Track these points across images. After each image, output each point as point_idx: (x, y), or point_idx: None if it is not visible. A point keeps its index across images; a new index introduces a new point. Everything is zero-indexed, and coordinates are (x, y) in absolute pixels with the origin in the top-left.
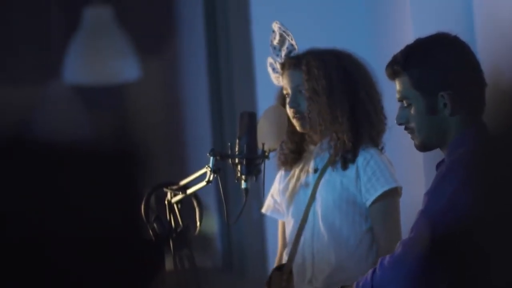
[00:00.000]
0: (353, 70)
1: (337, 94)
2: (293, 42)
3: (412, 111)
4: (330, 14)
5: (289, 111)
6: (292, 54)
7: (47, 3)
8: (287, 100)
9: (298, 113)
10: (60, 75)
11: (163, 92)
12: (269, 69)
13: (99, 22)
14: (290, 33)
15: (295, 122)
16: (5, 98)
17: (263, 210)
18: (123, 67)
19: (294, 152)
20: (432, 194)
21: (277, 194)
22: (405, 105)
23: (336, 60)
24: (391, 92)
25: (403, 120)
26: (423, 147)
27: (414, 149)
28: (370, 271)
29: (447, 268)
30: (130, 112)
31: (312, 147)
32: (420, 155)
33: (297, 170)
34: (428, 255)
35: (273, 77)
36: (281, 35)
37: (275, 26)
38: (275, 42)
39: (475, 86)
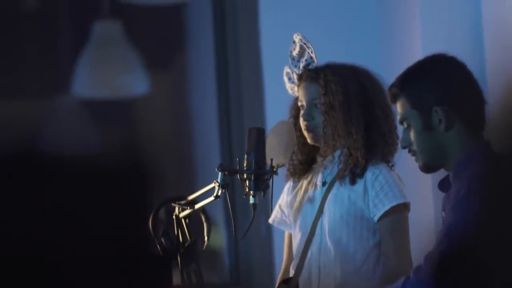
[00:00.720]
0: (370, 88)
1: (354, 110)
2: (313, 55)
3: (412, 131)
4: (341, 28)
5: (302, 123)
6: (310, 67)
7: (57, 16)
8: (301, 112)
9: (311, 126)
10: (69, 89)
11: (171, 107)
12: (285, 78)
13: (109, 35)
14: (311, 46)
15: (307, 134)
16: (14, 112)
17: (270, 221)
18: (132, 81)
19: (304, 164)
20: (456, 210)
21: (285, 205)
22: (405, 126)
23: (354, 76)
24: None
25: (406, 143)
26: (426, 168)
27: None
28: (401, 279)
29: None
30: (138, 126)
31: (321, 159)
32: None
33: (305, 182)
34: (452, 273)
35: (288, 87)
36: (301, 47)
37: (296, 38)
38: (295, 53)
39: (473, 104)
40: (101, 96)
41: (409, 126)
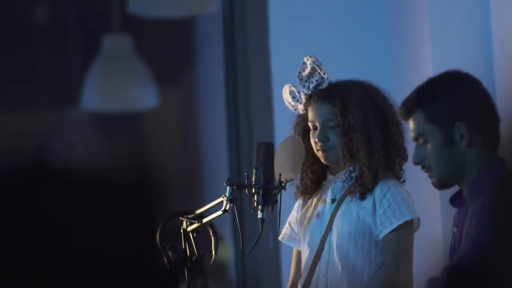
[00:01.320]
0: (383, 106)
1: (372, 130)
2: (325, 76)
3: (429, 146)
4: (350, 43)
5: (316, 144)
6: (321, 87)
7: (67, 29)
8: (312, 132)
9: (327, 147)
10: (78, 102)
11: (180, 121)
12: (288, 96)
13: (118, 49)
14: (323, 68)
15: (321, 155)
16: (24, 124)
17: (280, 238)
18: (141, 94)
19: (314, 183)
20: (480, 221)
21: (294, 222)
22: (421, 142)
23: (367, 95)
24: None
25: (419, 159)
26: (441, 184)
27: (431, 184)
28: None
29: None
30: (147, 140)
31: (331, 176)
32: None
33: (314, 200)
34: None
35: (291, 105)
36: (312, 68)
37: (308, 60)
38: (304, 73)
39: (490, 120)
40: (110, 110)
41: (425, 142)
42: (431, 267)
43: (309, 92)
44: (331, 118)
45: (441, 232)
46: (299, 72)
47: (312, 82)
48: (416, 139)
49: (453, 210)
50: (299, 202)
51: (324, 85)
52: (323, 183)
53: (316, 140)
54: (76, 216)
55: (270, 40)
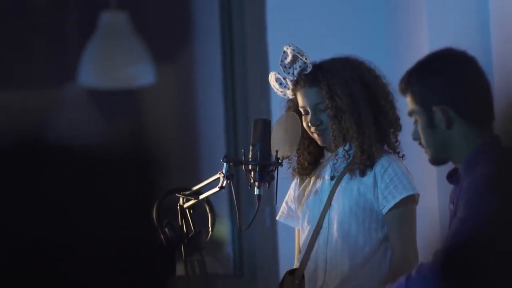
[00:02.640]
0: (370, 79)
1: (362, 108)
2: (307, 61)
3: (418, 126)
4: (348, 24)
5: (310, 128)
6: (306, 72)
7: (64, 7)
8: (304, 116)
9: (321, 130)
10: (75, 79)
11: (177, 98)
12: (275, 84)
13: (115, 26)
14: (304, 53)
15: (316, 137)
16: (21, 101)
17: (277, 217)
18: (138, 72)
19: (311, 163)
20: (471, 204)
21: (292, 201)
22: (414, 121)
23: (353, 72)
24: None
25: (416, 136)
26: (434, 161)
27: (426, 158)
28: (403, 277)
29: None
30: (144, 117)
31: (329, 154)
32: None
33: (312, 178)
34: (466, 266)
35: (279, 91)
36: (294, 56)
37: (288, 49)
38: (286, 61)
39: (479, 100)
40: (108, 87)
41: (416, 121)
42: (427, 244)
43: (295, 78)
44: (320, 101)
45: (438, 208)
46: (281, 61)
47: (295, 68)
48: (409, 116)
49: (450, 186)
50: (296, 180)
51: (309, 69)
52: (320, 160)
53: (310, 124)
54: (72, 192)
55: (267, 17)
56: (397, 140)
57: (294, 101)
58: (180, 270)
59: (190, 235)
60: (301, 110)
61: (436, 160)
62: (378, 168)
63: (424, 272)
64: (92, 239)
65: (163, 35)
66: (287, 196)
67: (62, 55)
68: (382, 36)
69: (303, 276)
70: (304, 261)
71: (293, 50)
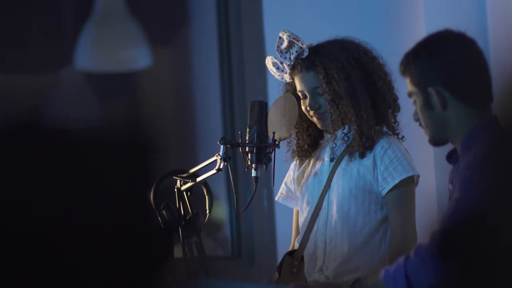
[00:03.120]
0: (367, 61)
1: (359, 91)
2: (303, 46)
3: (417, 107)
4: (342, 10)
5: (310, 112)
6: (303, 56)
7: None
8: (302, 100)
9: (320, 114)
10: (71, 62)
11: (174, 81)
12: (272, 68)
13: (111, 9)
14: (300, 39)
15: (315, 121)
16: (17, 85)
17: (276, 198)
18: (135, 54)
19: (311, 145)
20: (468, 184)
21: (291, 182)
22: (413, 101)
23: (349, 55)
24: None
25: (416, 117)
26: (433, 142)
27: (424, 139)
28: (402, 258)
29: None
30: (141, 99)
31: (328, 135)
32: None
33: (312, 159)
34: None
35: (277, 75)
36: (289, 42)
37: (284, 35)
38: (283, 47)
39: (476, 81)
40: (104, 70)
41: (415, 102)
42: (424, 224)
43: (292, 63)
44: (318, 85)
45: (436, 188)
46: (277, 46)
47: (292, 53)
48: (409, 96)
49: (447, 167)
50: (295, 162)
51: (305, 54)
52: (320, 142)
53: (308, 108)
54: (69, 176)
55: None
56: (396, 121)
57: (292, 84)
58: (178, 252)
59: (187, 217)
60: (299, 94)
61: (435, 141)
62: (377, 149)
63: (422, 253)
64: (89, 222)
65: (159, 18)
66: (286, 177)
67: (58, 38)
68: (378, 17)
69: (302, 257)
70: (303, 242)
71: (289, 36)
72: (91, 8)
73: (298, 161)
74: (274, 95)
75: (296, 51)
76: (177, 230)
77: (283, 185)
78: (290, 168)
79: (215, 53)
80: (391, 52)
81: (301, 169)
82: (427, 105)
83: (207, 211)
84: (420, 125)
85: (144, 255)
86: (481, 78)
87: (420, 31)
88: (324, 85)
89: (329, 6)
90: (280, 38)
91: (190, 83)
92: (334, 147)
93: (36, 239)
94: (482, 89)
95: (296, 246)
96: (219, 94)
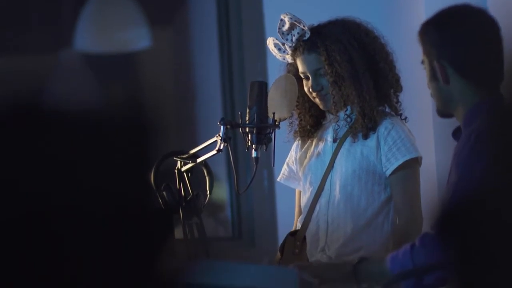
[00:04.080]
0: (368, 41)
1: (361, 73)
2: (305, 28)
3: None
4: None
5: (312, 93)
6: (304, 38)
7: None
8: (305, 81)
9: (322, 95)
10: (71, 44)
11: (174, 61)
12: (274, 49)
13: None
14: (302, 21)
15: (318, 102)
16: (16, 66)
17: (278, 179)
18: (134, 36)
19: (313, 126)
20: (464, 166)
21: (293, 163)
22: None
23: (351, 36)
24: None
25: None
26: (438, 113)
27: (424, 118)
28: (408, 245)
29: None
30: (140, 81)
31: (331, 116)
32: (429, 123)
33: (315, 140)
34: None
35: (279, 56)
36: (291, 24)
37: (285, 17)
38: (284, 29)
39: (484, 59)
40: (104, 51)
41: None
42: (425, 203)
43: (293, 45)
44: (320, 67)
45: (435, 166)
46: (279, 28)
47: (294, 35)
48: (422, 65)
49: (448, 146)
50: (297, 142)
51: (307, 36)
52: (323, 122)
53: (311, 90)
54: (69, 157)
55: None
56: (398, 101)
57: (293, 65)
58: (178, 233)
59: (188, 198)
60: (301, 75)
61: (440, 112)
62: (381, 130)
63: (428, 243)
64: (89, 203)
65: None
66: (288, 158)
67: (58, 19)
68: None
69: (304, 238)
70: (305, 223)
71: (291, 18)
72: None
73: (300, 141)
74: (274, 76)
75: (298, 33)
76: (178, 211)
77: (285, 165)
78: (292, 148)
79: (214, 34)
80: (391, 31)
81: (303, 150)
82: (432, 76)
83: (208, 192)
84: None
85: (145, 236)
86: (491, 57)
87: (419, 10)
88: (326, 67)
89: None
90: (281, 20)
91: (189, 64)
92: (337, 128)
93: (37, 221)
94: (491, 68)
95: (299, 226)
96: (219, 75)
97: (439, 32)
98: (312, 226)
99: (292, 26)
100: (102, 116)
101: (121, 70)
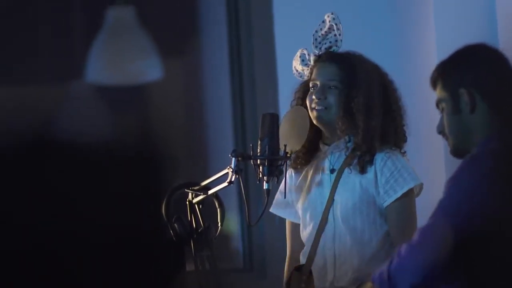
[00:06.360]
0: (388, 84)
1: (375, 97)
2: (339, 38)
3: (444, 115)
4: (354, 16)
5: (312, 102)
6: (333, 50)
7: (70, 2)
8: (311, 92)
9: (322, 105)
10: (82, 75)
11: (185, 93)
12: (297, 60)
13: (122, 22)
14: (340, 28)
15: (314, 113)
16: (28, 98)
17: (270, 209)
18: (145, 67)
19: (306, 154)
20: (452, 183)
21: (289, 191)
22: (440, 110)
23: (375, 70)
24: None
25: (440, 128)
26: (454, 151)
27: (436, 150)
28: (387, 261)
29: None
30: (152, 112)
31: (325, 147)
32: (441, 156)
33: (310, 170)
34: (443, 246)
35: (298, 68)
36: (330, 27)
37: (328, 17)
38: (320, 33)
39: (503, 89)
40: (115, 82)
41: (443, 110)
42: None
43: (321, 53)
44: (334, 79)
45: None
46: (316, 31)
47: (325, 44)
48: (437, 106)
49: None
50: (290, 172)
51: (336, 49)
52: (316, 154)
53: (314, 97)
54: (80, 189)
55: (274, 10)
56: (401, 141)
57: (306, 83)
58: (189, 265)
59: (199, 230)
60: (311, 84)
61: (457, 150)
62: (378, 162)
63: (402, 253)
64: (101, 235)
65: (170, 29)
66: (280, 186)
67: (69, 51)
68: (388, 38)
69: (310, 272)
70: (310, 257)
71: (333, 19)
72: (101, 20)
73: (293, 172)
74: (285, 107)
75: (330, 42)
76: (189, 243)
77: (278, 194)
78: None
79: (226, 65)
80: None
81: (299, 180)
82: (455, 108)
83: (219, 223)
84: (444, 136)
85: (156, 268)
86: (508, 88)
87: (430, 51)
88: (345, 78)
89: (342, 8)
90: (323, 21)
91: (201, 95)
92: (335, 154)
93: (47, 253)
94: (508, 98)
95: (301, 260)
96: (230, 106)
97: (465, 63)
98: (318, 260)
99: (329, 30)
100: (114, 148)
101: (132, 102)
